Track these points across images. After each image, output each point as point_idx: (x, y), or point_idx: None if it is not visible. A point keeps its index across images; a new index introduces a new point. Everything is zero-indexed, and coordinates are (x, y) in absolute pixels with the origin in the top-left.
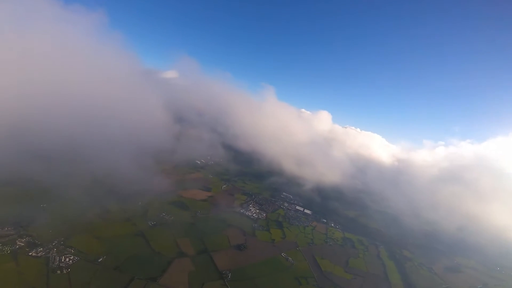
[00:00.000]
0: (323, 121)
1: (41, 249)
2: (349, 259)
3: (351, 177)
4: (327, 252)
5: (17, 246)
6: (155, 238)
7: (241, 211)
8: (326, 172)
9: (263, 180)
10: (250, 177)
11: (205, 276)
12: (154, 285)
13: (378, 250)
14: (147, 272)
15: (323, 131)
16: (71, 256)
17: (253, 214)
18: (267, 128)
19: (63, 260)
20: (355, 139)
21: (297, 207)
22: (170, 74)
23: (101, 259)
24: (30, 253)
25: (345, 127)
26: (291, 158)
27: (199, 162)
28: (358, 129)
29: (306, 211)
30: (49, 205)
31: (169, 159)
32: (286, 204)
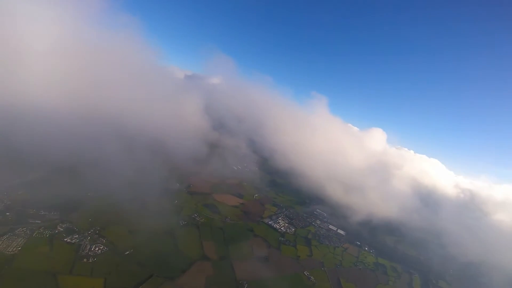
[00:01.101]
0: (376, 140)
1: (77, 236)
2: (376, 286)
3: (411, 211)
4: (354, 276)
5: (57, 231)
6: (182, 238)
7: (270, 222)
8: (380, 203)
9: (302, 206)
10: (283, 189)
11: (222, 283)
12: (170, 285)
13: (411, 278)
14: (168, 271)
15: (376, 152)
16: (101, 246)
17: (281, 227)
18: (313, 144)
19: (92, 249)
20: (412, 164)
21: (330, 226)
22: (211, 78)
23: (128, 252)
24: (65, 239)
25: (398, 148)
26: (338, 183)
27: (235, 168)
28: (412, 151)
29: (340, 231)
30: (95, 194)
31: (207, 163)
32: (318, 222)
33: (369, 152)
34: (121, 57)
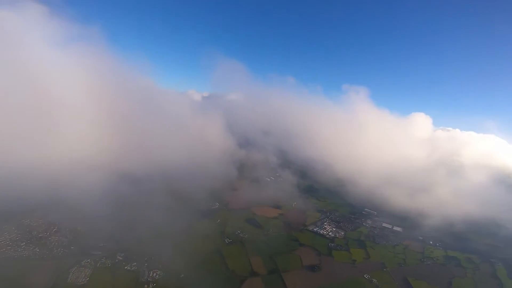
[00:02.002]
0: (422, 127)
1: (135, 263)
2: (453, 279)
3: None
4: (423, 273)
5: (117, 260)
6: (230, 255)
7: (315, 229)
8: (453, 200)
9: (347, 207)
10: (323, 193)
11: None
12: None
13: (495, 268)
14: None
15: (426, 140)
16: (158, 271)
17: (329, 232)
18: (359, 144)
19: (150, 275)
20: (472, 146)
21: (384, 224)
22: (229, 95)
23: (183, 275)
24: (125, 267)
25: (446, 130)
26: (397, 185)
27: (268, 180)
28: (458, 130)
29: (396, 228)
30: (144, 222)
31: (240, 179)
32: (369, 222)
33: (420, 142)
34: (138, 95)
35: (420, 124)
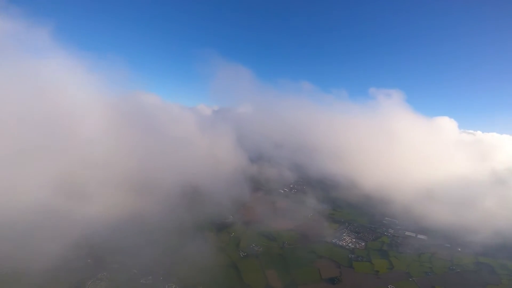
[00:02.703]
0: (448, 132)
1: (150, 277)
2: (486, 287)
3: None
4: (453, 281)
5: (132, 273)
6: (246, 269)
7: (333, 240)
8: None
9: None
10: (340, 204)
11: None
12: None
13: None
14: None
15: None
16: (173, 286)
17: (348, 243)
18: (391, 157)
19: None
20: (502, 149)
21: (407, 233)
22: (240, 108)
23: None
24: (141, 280)
25: (471, 133)
26: (440, 200)
27: (282, 191)
28: (479, 132)
29: (421, 236)
30: (157, 238)
31: (253, 192)
32: (391, 231)
33: (453, 148)
34: (145, 116)
35: (447, 129)
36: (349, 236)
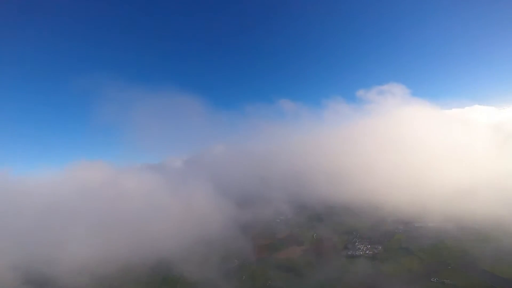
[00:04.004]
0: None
1: None
2: None
3: None
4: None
5: None
6: None
7: (349, 253)
8: None
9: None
10: (337, 219)
11: None
12: None
13: None
14: None
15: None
16: None
17: (366, 251)
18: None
19: None
20: None
21: (416, 225)
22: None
23: None
24: None
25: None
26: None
27: (279, 220)
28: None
29: (431, 224)
30: None
31: (250, 230)
32: (401, 227)
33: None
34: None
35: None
36: (362, 244)
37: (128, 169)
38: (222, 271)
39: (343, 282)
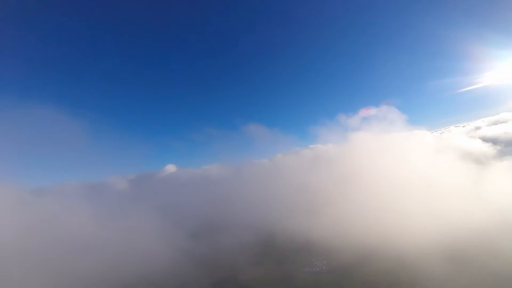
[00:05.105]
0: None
1: None
2: None
3: None
4: None
5: None
6: None
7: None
8: None
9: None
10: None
11: None
12: None
13: None
14: None
15: None
16: None
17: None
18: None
19: None
20: None
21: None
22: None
23: None
24: None
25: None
26: None
27: (239, 249)
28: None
29: None
30: None
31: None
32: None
33: None
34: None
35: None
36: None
37: (50, 190)
38: None
39: None
